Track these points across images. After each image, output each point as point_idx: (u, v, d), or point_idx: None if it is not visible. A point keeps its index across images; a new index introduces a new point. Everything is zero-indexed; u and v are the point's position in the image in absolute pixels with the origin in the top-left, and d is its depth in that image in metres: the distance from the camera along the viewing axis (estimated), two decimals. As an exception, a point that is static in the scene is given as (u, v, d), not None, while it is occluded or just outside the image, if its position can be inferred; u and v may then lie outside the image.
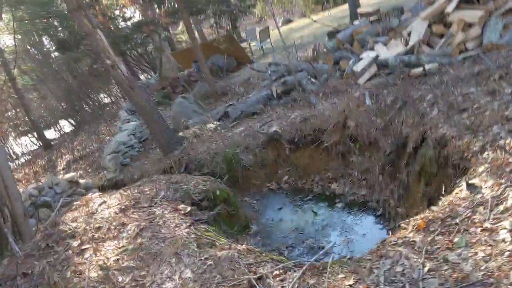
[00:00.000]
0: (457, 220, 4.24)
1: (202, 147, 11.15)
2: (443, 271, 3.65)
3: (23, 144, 27.59)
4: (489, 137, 5.48)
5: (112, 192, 9.52)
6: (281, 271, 4.57)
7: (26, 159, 24.57)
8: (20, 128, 27.47)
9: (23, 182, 18.15)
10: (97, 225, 7.11)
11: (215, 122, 12.89)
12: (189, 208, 7.23)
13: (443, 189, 5.43)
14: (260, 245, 7.65)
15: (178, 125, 13.94)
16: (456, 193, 4.82)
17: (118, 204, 7.93)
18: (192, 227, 6.45)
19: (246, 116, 12.33)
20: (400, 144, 7.72)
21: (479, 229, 4.03)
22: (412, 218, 4.67)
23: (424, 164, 6.61)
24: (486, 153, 5.26)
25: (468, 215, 4.27)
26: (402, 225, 4.68)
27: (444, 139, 6.41)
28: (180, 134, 12.58)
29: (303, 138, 9.96)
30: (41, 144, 24.64)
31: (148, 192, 8.14)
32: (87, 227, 7.12)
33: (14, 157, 26.17)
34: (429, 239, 4.14)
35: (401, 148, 7.72)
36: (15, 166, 22.88)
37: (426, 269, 3.74)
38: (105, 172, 13.64)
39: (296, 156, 10.15)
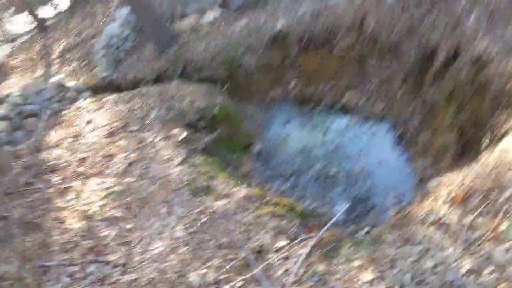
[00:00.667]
0: (506, 195, 3.38)
1: (200, 46, 9.91)
2: (487, 275, 2.89)
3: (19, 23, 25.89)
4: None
5: (104, 96, 8.69)
6: (284, 243, 3.87)
7: (23, 40, 23.23)
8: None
9: (19, 72, 17.19)
10: (81, 156, 6.37)
11: (214, 12, 11.38)
12: (183, 135, 6.39)
13: (481, 131, 4.47)
14: (263, 171, 6.93)
15: (173, 14, 12.46)
16: (503, 148, 3.88)
17: (106, 125, 7.11)
18: (186, 164, 5.68)
19: (248, 5, 10.77)
20: (428, 54, 6.53)
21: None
22: (444, 183, 3.79)
23: (456, 86, 5.54)
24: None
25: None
26: (432, 188, 3.83)
27: (483, 58, 5.26)
28: (175, 25, 11.21)
29: (314, 39, 8.67)
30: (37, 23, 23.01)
31: (138, 111, 7.24)
32: (71, 158, 6.39)
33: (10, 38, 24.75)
34: (468, 220, 3.33)
35: (428, 59, 6.54)
36: (11, 50, 21.71)
37: (464, 268, 2.99)
38: (97, 68, 12.61)
39: (305, 60, 8.98)
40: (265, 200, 4.87)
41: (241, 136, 7.76)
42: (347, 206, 5.03)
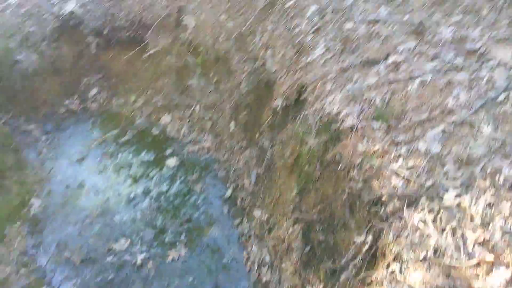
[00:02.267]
0: None
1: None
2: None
3: None
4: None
5: None
6: None
7: None
8: None
9: None
10: None
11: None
12: None
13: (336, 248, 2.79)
14: (39, 254, 4.56)
15: None
16: None
17: None
18: None
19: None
20: (265, 81, 4.57)
21: None
22: None
23: (301, 153, 3.71)
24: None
25: None
26: None
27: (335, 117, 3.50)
28: None
29: (118, 32, 6.11)
30: None
31: None
32: None
33: None
34: None
35: (266, 88, 4.60)
36: None
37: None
38: None
39: (109, 58, 6.45)
40: None
41: (11, 186, 5.14)
42: None
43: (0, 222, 4.87)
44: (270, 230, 4.18)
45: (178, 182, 5.18)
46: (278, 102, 4.32)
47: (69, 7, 6.52)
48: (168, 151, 5.60)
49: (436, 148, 2.91)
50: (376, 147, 3.16)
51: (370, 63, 3.70)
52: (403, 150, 3.06)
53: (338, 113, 3.53)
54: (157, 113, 6.08)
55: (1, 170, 5.12)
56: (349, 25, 4.07)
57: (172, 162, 5.41)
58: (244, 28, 5.14)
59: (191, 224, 4.74)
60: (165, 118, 5.94)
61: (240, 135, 5.04)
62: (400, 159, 3.00)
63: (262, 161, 4.52)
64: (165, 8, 5.69)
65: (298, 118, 3.93)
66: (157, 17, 5.60)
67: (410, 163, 2.93)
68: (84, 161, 5.75)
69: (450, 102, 3.10)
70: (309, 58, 4.11)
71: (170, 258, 4.41)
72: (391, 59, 3.61)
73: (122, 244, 4.72)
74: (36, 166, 5.68)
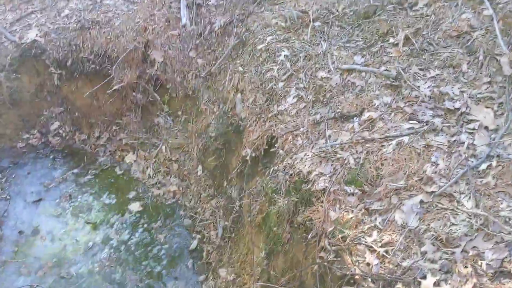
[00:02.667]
0: None
1: None
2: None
3: None
4: None
5: None
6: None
7: None
8: None
9: None
10: None
11: None
12: None
13: None
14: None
15: None
16: None
17: None
18: None
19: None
20: (235, 126, 4.31)
21: None
22: None
23: (270, 212, 3.44)
24: None
25: None
26: None
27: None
28: None
29: (81, 64, 5.76)
30: None
31: None
32: None
33: None
34: None
35: (235, 133, 4.33)
36: None
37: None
38: None
39: (72, 91, 6.07)
40: None
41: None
42: None
43: None
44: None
45: (140, 230, 4.84)
46: (248, 152, 4.05)
47: (31, 35, 6.16)
48: (132, 194, 5.25)
49: (413, 222, 2.67)
50: (349, 216, 2.90)
51: (344, 117, 3.47)
52: (378, 221, 2.81)
53: (310, 172, 3.28)
54: (122, 151, 5.73)
55: None
56: (322, 74, 3.84)
57: (135, 207, 5.06)
58: (214, 67, 4.88)
59: (152, 278, 4.38)
60: (130, 157, 5.60)
61: (207, 181, 4.74)
62: (375, 232, 2.75)
63: (229, 213, 4.23)
64: (131, 41, 5.38)
65: (267, 172, 3.66)
66: (123, 51, 5.29)
67: (386, 238, 2.68)
68: (41, 203, 5.35)
69: (429, 169, 2.87)
70: (280, 107, 3.87)
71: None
72: (366, 115, 3.39)
73: None
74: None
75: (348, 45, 4.02)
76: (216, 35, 4.92)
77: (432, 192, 2.74)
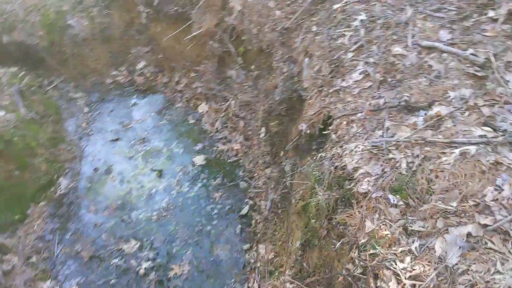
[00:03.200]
0: None
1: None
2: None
3: None
4: None
5: None
6: None
7: None
8: None
9: None
10: None
11: None
12: None
13: None
14: (54, 241, 4.61)
15: None
16: None
17: None
18: None
19: None
20: (299, 93, 4.02)
21: None
22: None
23: (310, 203, 3.22)
24: None
25: None
26: None
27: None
28: None
29: (166, 5, 5.71)
30: None
31: None
32: None
33: None
34: None
35: (298, 101, 4.05)
36: None
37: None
38: None
39: (158, 31, 6.10)
40: None
41: (41, 163, 5.20)
42: None
43: (25, 200, 4.94)
44: (271, 274, 3.78)
45: (199, 184, 4.87)
46: (303, 127, 3.74)
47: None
48: (199, 146, 5.26)
49: (453, 258, 2.26)
50: (386, 232, 2.55)
51: (409, 108, 2.96)
52: (415, 245, 2.42)
53: (355, 170, 2.91)
54: (196, 99, 5.71)
55: (32, 147, 5.12)
56: (397, 49, 3.29)
57: (199, 159, 5.08)
58: (290, 21, 4.48)
59: (202, 236, 4.46)
60: (203, 107, 5.56)
61: (267, 147, 4.54)
62: (408, 258, 2.39)
63: (280, 188, 4.03)
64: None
65: (316, 157, 3.35)
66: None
67: (417, 269, 2.32)
68: (118, 143, 5.61)
69: (490, 194, 2.36)
70: (343, 83, 3.43)
71: (172, 273, 4.19)
72: (435, 109, 2.86)
73: (131, 246, 4.57)
74: (72, 142, 5.65)
75: (437, 14, 3.35)
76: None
77: (486, 225, 2.26)
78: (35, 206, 4.97)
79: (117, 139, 5.58)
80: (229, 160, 4.95)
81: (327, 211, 3.01)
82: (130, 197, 4.90)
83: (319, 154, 3.18)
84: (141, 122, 5.71)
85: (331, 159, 3.05)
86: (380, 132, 2.92)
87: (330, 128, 3.26)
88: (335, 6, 3.78)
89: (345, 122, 3.15)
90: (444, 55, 3.05)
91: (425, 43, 3.15)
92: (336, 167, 2.98)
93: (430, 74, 3.01)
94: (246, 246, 4.17)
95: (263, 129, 4.60)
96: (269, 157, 4.43)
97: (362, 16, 3.55)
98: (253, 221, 4.32)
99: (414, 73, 3.08)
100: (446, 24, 3.22)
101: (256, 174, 4.55)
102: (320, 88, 3.57)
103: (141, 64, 6.25)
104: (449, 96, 2.83)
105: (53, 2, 6.10)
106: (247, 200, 4.53)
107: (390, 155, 2.76)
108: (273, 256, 3.75)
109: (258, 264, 3.91)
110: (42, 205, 4.99)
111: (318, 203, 3.04)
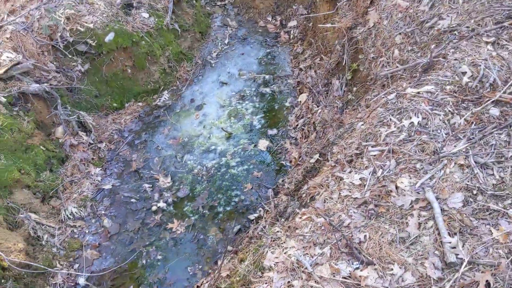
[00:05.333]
0: None
1: None
2: None
3: None
4: None
5: None
6: None
7: None
8: None
9: None
10: None
11: None
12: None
13: None
14: (124, 140, 5.47)
15: None
16: None
17: None
18: None
19: None
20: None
21: None
22: None
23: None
24: None
25: None
26: None
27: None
28: None
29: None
30: None
31: None
32: None
33: None
34: None
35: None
36: None
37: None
38: None
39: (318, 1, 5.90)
40: None
41: (163, 67, 5.96)
42: None
43: (129, 95, 5.72)
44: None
45: (245, 167, 4.92)
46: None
47: None
48: (273, 131, 5.23)
49: None
50: None
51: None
52: None
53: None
54: (303, 86, 5.54)
55: (155, 55, 5.74)
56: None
57: (263, 144, 5.05)
58: (393, 70, 3.96)
59: (212, 213, 4.68)
60: (303, 97, 5.38)
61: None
62: None
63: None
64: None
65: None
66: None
67: None
68: (224, 87, 5.88)
69: None
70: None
71: (169, 227, 4.60)
72: None
73: (165, 182, 4.86)
74: (195, 65, 6.17)
75: None
76: None
77: None
78: (134, 103, 5.74)
79: (225, 83, 5.88)
80: (281, 162, 4.90)
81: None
82: (194, 141, 5.28)
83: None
84: (255, 79, 5.84)
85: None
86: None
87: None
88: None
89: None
90: None
91: None
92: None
93: None
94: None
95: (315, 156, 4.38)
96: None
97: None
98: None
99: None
100: None
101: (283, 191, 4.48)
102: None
103: (292, 23, 6.18)
104: None
105: None
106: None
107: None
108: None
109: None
110: (139, 105, 5.76)
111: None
